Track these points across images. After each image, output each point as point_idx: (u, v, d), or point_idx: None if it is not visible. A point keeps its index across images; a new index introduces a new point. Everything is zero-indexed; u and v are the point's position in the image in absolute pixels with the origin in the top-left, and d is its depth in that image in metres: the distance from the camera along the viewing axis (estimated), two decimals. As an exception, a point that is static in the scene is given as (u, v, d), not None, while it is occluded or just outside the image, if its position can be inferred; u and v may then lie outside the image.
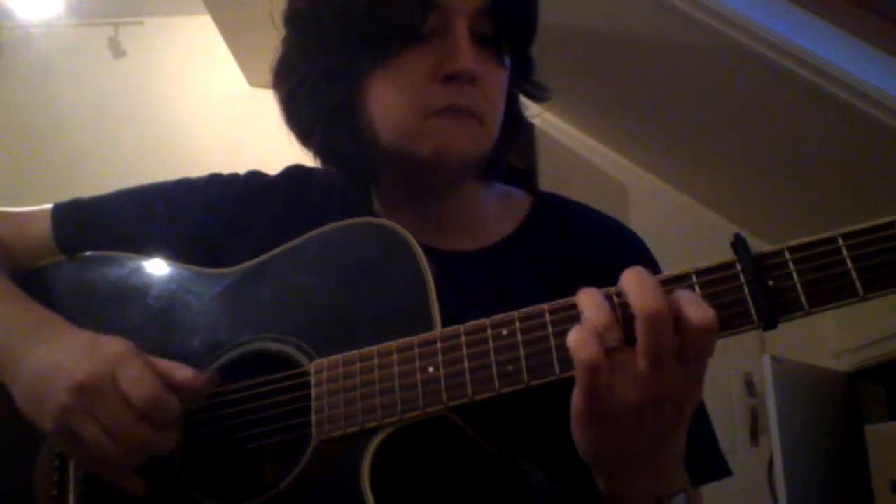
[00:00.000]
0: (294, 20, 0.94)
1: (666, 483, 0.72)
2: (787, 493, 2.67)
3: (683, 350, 0.64)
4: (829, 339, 3.26)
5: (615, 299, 0.67)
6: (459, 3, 0.85)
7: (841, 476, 2.85)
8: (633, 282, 0.65)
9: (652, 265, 0.95)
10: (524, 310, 0.70)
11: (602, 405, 0.66)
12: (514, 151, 0.99)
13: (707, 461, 0.89)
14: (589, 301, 0.67)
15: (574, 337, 0.65)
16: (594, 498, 0.82)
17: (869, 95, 2.51)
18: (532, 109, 1.03)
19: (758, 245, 0.66)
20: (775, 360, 2.85)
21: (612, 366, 0.65)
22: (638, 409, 0.66)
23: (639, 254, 0.97)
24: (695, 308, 0.63)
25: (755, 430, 3.32)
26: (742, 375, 3.33)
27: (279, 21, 0.96)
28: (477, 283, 0.90)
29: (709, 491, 0.89)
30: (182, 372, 0.79)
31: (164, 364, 0.79)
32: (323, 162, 0.97)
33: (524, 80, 0.97)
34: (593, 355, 0.64)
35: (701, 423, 0.89)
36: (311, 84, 0.91)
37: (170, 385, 0.77)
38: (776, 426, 2.75)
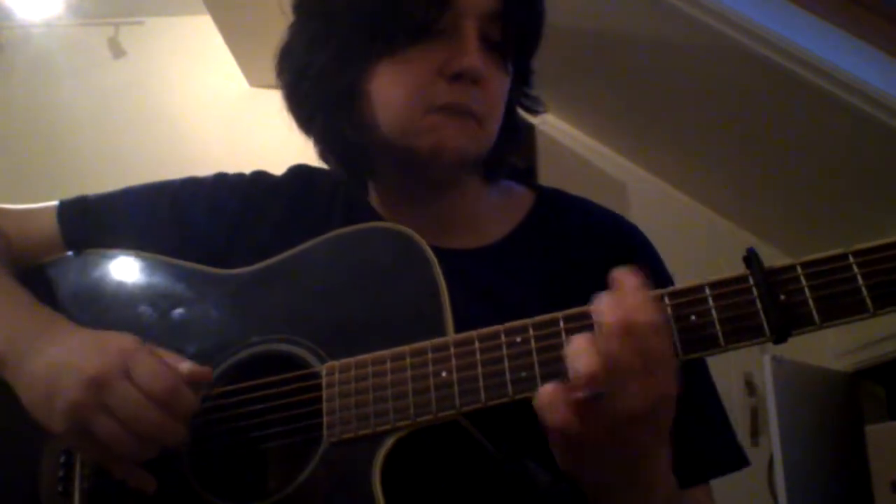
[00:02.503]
0: (303, 6, 0.95)
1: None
2: (787, 493, 2.68)
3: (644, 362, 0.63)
4: (829, 339, 3.26)
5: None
6: (472, 4, 0.86)
7: (841, 476, 2.85)
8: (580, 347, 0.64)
9: (654, 260, 0.96)
10: (537, 318, 0.71)
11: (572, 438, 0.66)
12: (515, 154, 0.99)
13: (725, 452, 0.89)
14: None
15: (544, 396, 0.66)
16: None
17: (869, 95, 2.52)
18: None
19: (755, 243, 0.66)
20: (775, 360, 2.85)
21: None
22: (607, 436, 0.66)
23: (641, 249, 0.97)
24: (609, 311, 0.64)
25: (755, 430, 3.32)
26: (742, 375, 3.33)
27: (287, 7, 0.96)
28: (479, 281, 0.90)
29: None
30: (184, 365, 0.79)
31: (169, 355, 0.79)
32: (321, 149, 0.97)
33: (521, 92, 0.98)
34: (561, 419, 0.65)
35: (718, 414, 0.91)
36: (317, 69, 0.91)
37: None
38: (776, 426, 2.76)
